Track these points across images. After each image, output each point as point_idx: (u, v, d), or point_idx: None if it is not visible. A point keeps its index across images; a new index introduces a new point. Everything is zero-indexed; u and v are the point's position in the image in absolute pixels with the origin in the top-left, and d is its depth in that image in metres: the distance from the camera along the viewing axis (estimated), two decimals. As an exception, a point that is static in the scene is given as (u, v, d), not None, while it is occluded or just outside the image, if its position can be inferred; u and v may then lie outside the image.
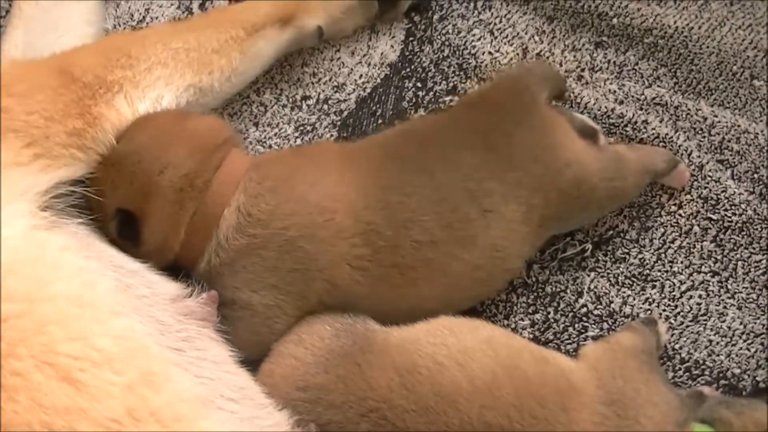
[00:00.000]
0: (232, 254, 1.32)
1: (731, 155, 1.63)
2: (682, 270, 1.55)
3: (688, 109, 1.67)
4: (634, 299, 1.54)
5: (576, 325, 1.53)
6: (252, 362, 1.33)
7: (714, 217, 1.58)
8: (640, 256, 1.56)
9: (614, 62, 1.73)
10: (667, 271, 1.55)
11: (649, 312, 1.53)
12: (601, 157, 1.45)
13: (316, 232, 1.32)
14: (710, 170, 1.60)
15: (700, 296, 1.53)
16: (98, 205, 1.33)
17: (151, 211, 1.32)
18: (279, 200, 1.34)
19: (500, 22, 1.76)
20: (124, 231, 1.32)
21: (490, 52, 1.73)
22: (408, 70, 1.74)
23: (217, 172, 1.35)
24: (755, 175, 1.62)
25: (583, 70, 1.72)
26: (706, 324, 1.52)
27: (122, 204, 1.32)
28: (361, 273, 1.33)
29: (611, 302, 1.54)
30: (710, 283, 1.55)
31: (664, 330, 1.47)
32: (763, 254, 1.55)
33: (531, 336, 1.52)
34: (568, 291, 1.55)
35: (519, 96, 1.47)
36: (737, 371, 1.49)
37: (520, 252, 1.41)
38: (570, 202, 1.42)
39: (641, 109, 1.67)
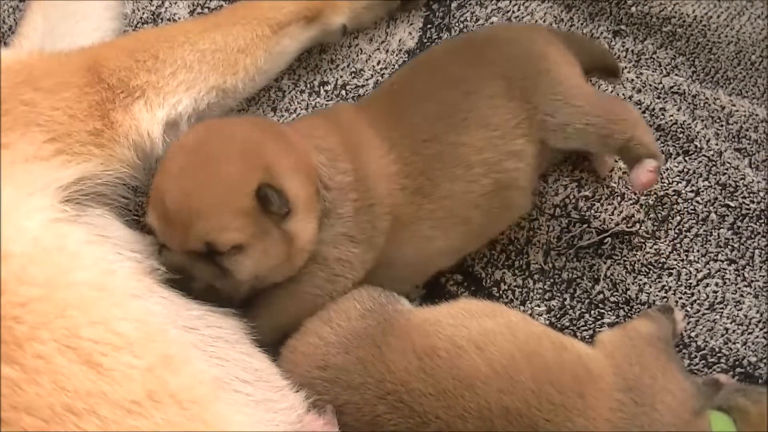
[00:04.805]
0: (334, 194, 1.36)
1: (749, 144, 1.64)
2: (699, 258, 1.56)
3: (706, 98, 1.67)
4: (651, 287, 1.54)
5: (592, 312, 1.53)
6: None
7: (732, 204, 1.58)
8: (656, 244, 1.57)
9: (632, 51, 1.73)
10: (683, 259, 1.56)
11: (666, 299, 1.53)
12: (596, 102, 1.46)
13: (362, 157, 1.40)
14: (728, 158, 1.60)
15: (716, 284, 1.54)
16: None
17: (283, 173, 1.30)
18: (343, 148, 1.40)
19: (518, 9, 1.76)
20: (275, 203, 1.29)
21: (507, 40, 1.73)
22: (426, 57, 1.74)
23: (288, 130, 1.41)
24: (774, 164, 1.62)
25: (601, 58, 1.72)
26: (722, 312, 1.52)
27: (261, 181, 1.27)
28: (403, 192, 1.39)
29: (627, 289, 1.54)
30: (727, 271, 1.55)
31: (680, 318, 1.47)
32: (781, 242, 1.56)
33: (547, 322, 1.52)
34: (585, 278, 1.55)
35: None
36: (753, 359, 1.49)
37: (516, 130, 1.42)
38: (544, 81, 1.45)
39: (659, 97, 1.67)
